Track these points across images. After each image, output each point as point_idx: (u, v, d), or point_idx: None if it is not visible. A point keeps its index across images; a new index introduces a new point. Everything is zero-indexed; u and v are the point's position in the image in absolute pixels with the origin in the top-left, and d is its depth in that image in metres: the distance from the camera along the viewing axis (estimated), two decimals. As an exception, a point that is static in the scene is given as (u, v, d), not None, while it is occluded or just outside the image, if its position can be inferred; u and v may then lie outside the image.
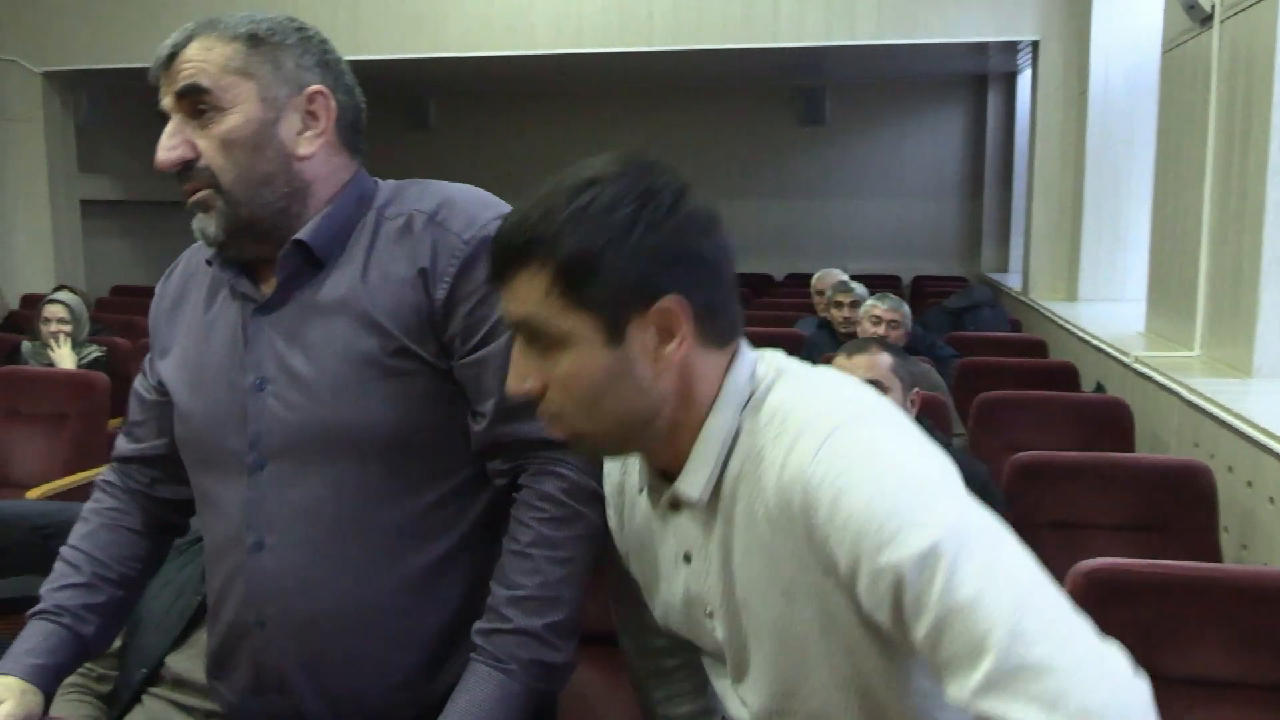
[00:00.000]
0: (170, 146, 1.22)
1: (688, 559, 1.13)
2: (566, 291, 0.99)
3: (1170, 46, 4.26)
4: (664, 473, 1.11)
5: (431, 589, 1.29)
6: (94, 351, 4.84)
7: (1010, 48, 7.34)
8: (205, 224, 1.25)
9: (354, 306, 1.24)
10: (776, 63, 8.41)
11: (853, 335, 4.60)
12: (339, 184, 1.30)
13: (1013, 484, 2.73)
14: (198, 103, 1.22)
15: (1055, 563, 1.74)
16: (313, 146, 1.27)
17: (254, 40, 1.23)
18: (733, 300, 1.07)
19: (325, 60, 1.28)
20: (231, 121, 1.22)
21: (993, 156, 9.78)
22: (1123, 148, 6.01)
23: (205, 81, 1.21)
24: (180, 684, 1.80)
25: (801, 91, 10.06)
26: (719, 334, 1.06)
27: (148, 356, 1.45)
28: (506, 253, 1.02)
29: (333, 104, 1.28)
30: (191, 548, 1.92)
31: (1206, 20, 3.77)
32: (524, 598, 1.23)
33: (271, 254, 1.28)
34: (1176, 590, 1.81)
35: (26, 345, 4.95)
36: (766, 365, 1.09)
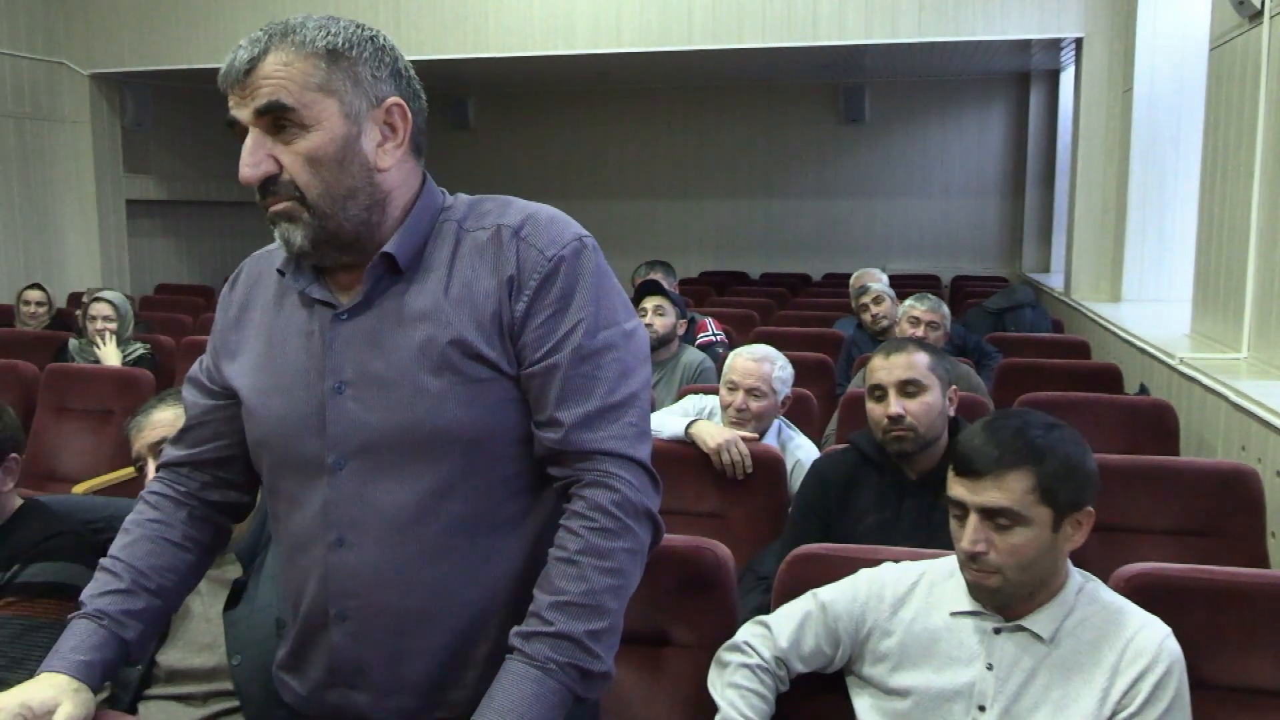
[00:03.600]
0: (254, 163, 1.22)
1: (990, 667, 1.60)
2: (1042, 493, 1.56)
3: (1218, 43, 4.19)
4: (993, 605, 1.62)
5: (506, 584, 1.31)
6: (139, 349, 4.91)
7: (1054, 45, 7.25)
8: (291, 234, 1.26)
9: (436, 317, 1.26)
10: (816, 61, 8.37)
11: (885, 334, 4.58)
12: (412, 190, 1.32)
13: (1054, 487, 2.69)
14: (279, 119, 1.22)
15: (1097, 568, 1.72)
16: (393, 158, 1.28)
17: (333, 55, 1.23)
18: None
19: (396, 69, 1.28)
20: (317, 139, 1.22)
21: (1035, 155, 9.67)
22: (1168, 146, 5.92)
23: (288, 100, 1.21)
24: (175, 676, 1.82)
25: (841, 90, 10.01)
26: None
27: (202, 365, 1.46)
28: (1008, 458, 1.56)
29: (409, 115, 1.29)
30: None
31: (1256, 16, 3.71)
32: (567, 603, 1.22)
33: (351, 261, 1.30)
34: (1222, 596, 1.78)
35: (73, 343, 5.02)
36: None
